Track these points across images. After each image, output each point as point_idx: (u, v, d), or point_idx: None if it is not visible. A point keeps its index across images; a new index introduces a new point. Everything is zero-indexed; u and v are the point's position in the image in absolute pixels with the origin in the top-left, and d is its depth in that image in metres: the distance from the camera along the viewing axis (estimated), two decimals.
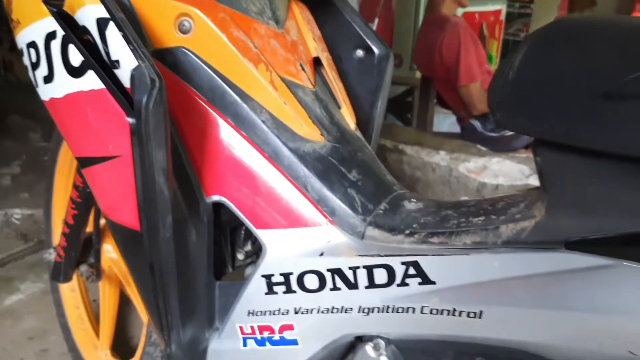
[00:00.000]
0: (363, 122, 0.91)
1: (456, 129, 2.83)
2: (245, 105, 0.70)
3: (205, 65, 0.70)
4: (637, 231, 0.44)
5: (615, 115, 0.43)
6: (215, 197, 0.72)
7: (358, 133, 0.81)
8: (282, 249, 0.70)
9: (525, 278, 0.52)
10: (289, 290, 0.70)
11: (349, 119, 0.80)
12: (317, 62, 0.82)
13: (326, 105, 0.77)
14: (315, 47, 0.82)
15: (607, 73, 0.44)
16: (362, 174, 0.73)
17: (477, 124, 2.40)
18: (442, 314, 0.59)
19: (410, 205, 0.72)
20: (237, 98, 0.70)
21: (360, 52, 0.91)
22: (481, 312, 0.55)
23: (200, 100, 0.71)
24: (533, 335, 0.52)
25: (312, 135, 0.72)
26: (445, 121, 3.48)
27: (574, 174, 0.50)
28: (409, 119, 3.46)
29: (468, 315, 0.56)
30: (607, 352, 0.47)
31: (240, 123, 0.70)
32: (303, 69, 0.77)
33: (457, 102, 2.51)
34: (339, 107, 0.81)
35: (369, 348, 0.66)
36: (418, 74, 2.97)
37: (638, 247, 0.44)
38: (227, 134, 0.71)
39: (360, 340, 0.68)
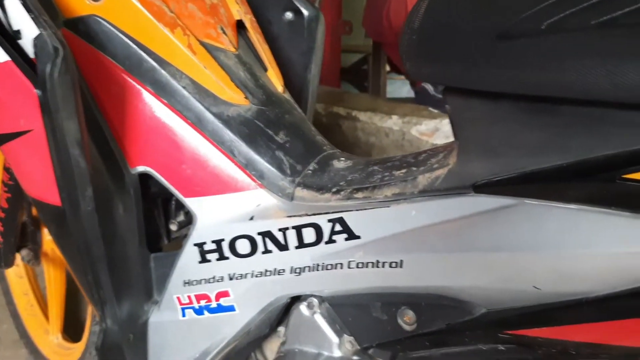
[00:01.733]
0: (297, 85, 0.90)
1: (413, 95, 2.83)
2: (163, 72, 0.69)
3: (119, 33, 0.68)
4: (535, 169, 0.44)
5: (507, 55, 0.43)
6: (141, 168, 0.71)
7: (287, 95, 0.80)
8: (212, 216, 0.70)
9: (440, 224, 0.53)
10: (222, 257, 0.69)
11: (275, 81, 0.79)
12: (240, 26, 0.80)
13: (250, 68, 0.76)
14: (237, 9, 0.80)
15: (501, 15, 0.44)
16: (290, 135, 0.73)
17: (428, 86, 2.41)
18: (367, 266, 0.59)
19: (339, 164, 0.72)
20: (155, 64, 0.68)
21: (289, 15, 0.89)
22: (401, 261, 0.56)
23: (117, 69, 0.69)
24: (448, 279, 0.53)
25: (236, 99, 0.71)
26: (403, 88, 3.48)
27: (478, 118, 0.50)
28: (366, 87, 3.45)
29: (390, 266, 0.57)
30: (514, 289, 0.48)
31: (160, 90, 0.69)
32: (224, 32, 0.75)
33: None
34: (265, 70, 0.79)
35: (303, 307, 0.67)
36: None
37: (537, 184, 0.45)
38: (148, 102, 0.69)
39: (296, 300, 0.69)
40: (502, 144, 0.48)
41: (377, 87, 2.78)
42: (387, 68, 3.09)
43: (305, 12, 0.88)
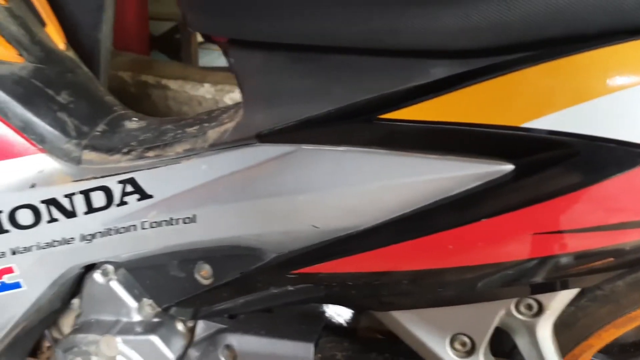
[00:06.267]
0: (86, 44, 0.84)
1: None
2: None
3: None
4: (308, 116, 0.47)
5: (281, 6, 0.45)
6: None
7: (70, 53, 0.74)
8: None
9: (228, 176, 0.53)
10: (1, 230, 0.63)
11: (56, 37, 0.73)
12: None
13: (25, 23, 0.69)
14: None
15: None
16: (74, 95, 0.68)
17: None
18: (161, 225, 0.58)
19: (132, 124, 0.69)
20: None
21: None
22: (194, 215, 0.56)
23: None
24: (239, 228, 0.54)
25: (8, 55, 0.64)
26: (219, 59, 3.43)
27: (259, 70, 0.51)
28: (181, 57, 3.34)
29: (184, 222, 0.57)
30: (297, 230, 0.50)
31: None
32: None
33: None
34: (44, 25, 0.73)
35: (97, 275, 0.64)
36: None
37: (311, 130, 0.48)
38: None
39: (91, 269, 0.66)
40: (280, 93, 0.50)
41: (188, 56, 2.70)
42: (200, 38, 3.02)
43: None
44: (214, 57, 3.46)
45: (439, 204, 0.42)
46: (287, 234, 0.51)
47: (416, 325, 0.52)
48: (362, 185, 0.45)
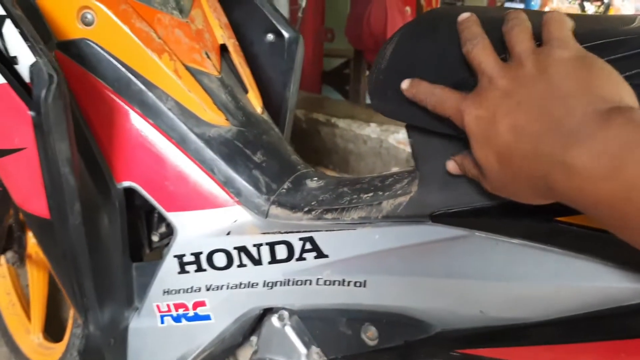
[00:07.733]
0: (275, 103, 0.95)
1: None
2: (150, 94, 0.73)
3: (109, 56, 0.72)
4: (484, 204, 0.50)
5: None
6: (126, 183, 0.75)
7: (265, 116, 0.85)
8: (192, 230, 0.74)
9: (400, 249, 0.58)
10: (199, 268, 0.74)
11: (255, 103, 0.84)
12: (224, 49, 0.85)
13: (232, 90, 0.81)
14: (221, 34, 0.85)
15: (458, 63, 0.49)
16: (267, 155, 0.77)
17: None
18: (334, 284, 0.64)
19: (312, 183, 0.77)
20: (143, 87, 0.73)
21: (270, 36, 0.94)
22: (365, 281, 0.61)
23: (106, 90, 0.73)
24: (406, 300, 0.58)
25: (218, 120, 0.76)
26: None
27: (436, 153, 0.55)
28: (347, 91, 3.51)
29: (355, 285, 0.62)
30: (463, 312, 0.53)
31: (147, 111, 0.73)
32: (208, 57, 0.80)
33: None
34: (246, 92, 0.84)
35: (274, 319, 0.72)
36: None
37: (486, 218, 0.50)
38: (135, 122, 0.73)
39: (269, 312, 0.74)
40: (456, 178, 0.53)
41: (356, 92, 2.83)
42: (368, 74, 3.14)
43: (285, 35, 0.93)
44: None
45: (611, 312, 0.43)
46: (453, 313, 0.54)
47: None
48: (535, 281, 0.47)
